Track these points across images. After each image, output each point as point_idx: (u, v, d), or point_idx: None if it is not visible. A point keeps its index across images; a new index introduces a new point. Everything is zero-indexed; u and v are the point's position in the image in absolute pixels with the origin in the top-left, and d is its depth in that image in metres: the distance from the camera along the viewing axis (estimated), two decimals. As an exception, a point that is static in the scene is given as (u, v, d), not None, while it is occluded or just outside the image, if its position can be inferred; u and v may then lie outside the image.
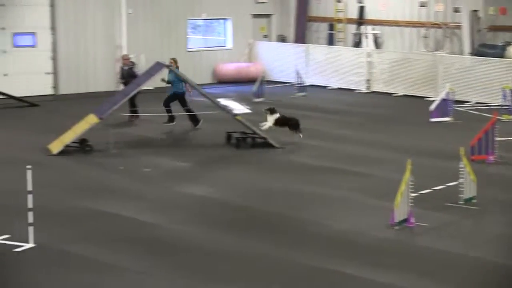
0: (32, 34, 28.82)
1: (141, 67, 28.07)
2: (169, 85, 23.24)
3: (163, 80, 23.04)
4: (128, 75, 23.81)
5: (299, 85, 30.25)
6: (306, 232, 13.71)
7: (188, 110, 22.88)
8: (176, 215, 14.59)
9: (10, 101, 26.53)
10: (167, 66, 20.72)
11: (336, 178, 17.55)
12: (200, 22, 34.08)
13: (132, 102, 23.14)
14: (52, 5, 29.02)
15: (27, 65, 28.41)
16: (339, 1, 34.10)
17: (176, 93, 22.97)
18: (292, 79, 31.26)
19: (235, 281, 11.35)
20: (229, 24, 34.18)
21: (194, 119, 22.85)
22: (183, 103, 23.04)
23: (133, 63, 24.26)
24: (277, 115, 21.10)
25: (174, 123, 23.15)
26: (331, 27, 34.67)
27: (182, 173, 18.01)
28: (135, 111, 22.86)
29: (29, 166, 12.73)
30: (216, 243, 13.00)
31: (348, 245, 12.96)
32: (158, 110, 23.65)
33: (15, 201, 14.15)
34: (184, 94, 23.07)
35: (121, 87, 23.88)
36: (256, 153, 19.98)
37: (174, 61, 23.18)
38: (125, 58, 24.64)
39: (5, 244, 12.65)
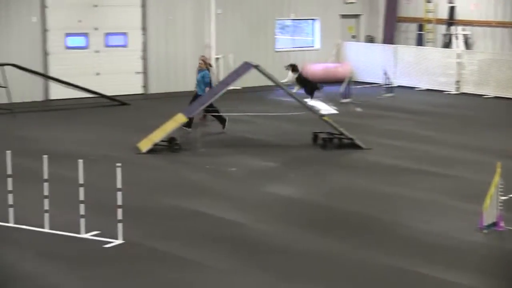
0: (124, 34, 29.32)
1: (229, 66, 28.34)
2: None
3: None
4: None
5: (387, 86, 30.04)
6: (388, 232, 13.65)
7: (210, 111, 22.19)
8: (260, 214, 14.68)
9: (102, 99, 27.01)
10: (255, 67, 20.82)
11: (420, 179, 17.40)
12: (288, 23, 34.13)
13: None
14: (143, 6, 29.50)
15: (118, 64, 28.93)
16: (429, 2, 33.70)
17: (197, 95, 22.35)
18: (380, 80, 31.07)
19: (316, 280, 11.38)
20: (317, 25, 34.14)
21: (221, 120, 22.25)
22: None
23: (210, 64, 24.29)
24: (297, 74, 20.90)
25: (225, 125, 22.30)
26: (421, 28, 34.27)
27: (268, 173, 18.09)
28: (214, 111, 22.74)
29: (118, 164, 12.97)
30: (299, 243, 13.05)
31: (432, 247, 12.85)
32: (245, 110, 23.80)
33: (105, 198, 14.42)
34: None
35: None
36: (342, 154, 19.95)
37: (204, 61, 22.97)
38: (202, 59, 24.63)
39: (95, 240, 12.93)
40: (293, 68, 21.01)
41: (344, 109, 26.18)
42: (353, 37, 35.24)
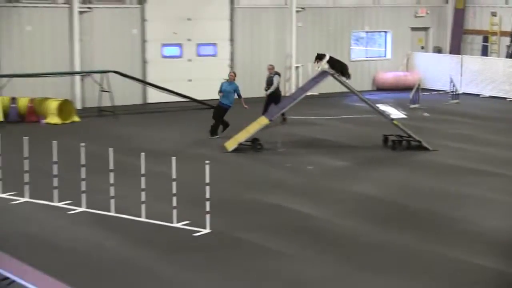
0: (214, 44, 29.58)
1: (308, 74, 28.33)
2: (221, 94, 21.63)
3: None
4: (269, 82, 23.77)
5: (453, 93, 29.62)
6: (454, 228, 13.46)
7: (220, 121, 21.40)
8: (335, 209, 14.64)
9: (193, 103, 27.30)
10: (332, 74, 20.76)
11: (483, 179, 17.10)
12: (363, 35, 33.93)
13: (267, 105, 23.18)
14: (231, 20, 29.71)
15: (208, 72, 29.18)
16: (494, 15, 33.12)
17: (223, 104, 21.45)
18: (446, 87, 30.64)
19: (388, 271, 11.31)
20: (389, 36, 33.88)
21: (225, 125, 21.54)
22: (222, 115, 21.46)
23: (276, 72, 24.15)
24: (327, 59, 20.32)
25: (223, 130, 21.54)
26: (486, 39, 33.70)
27: (342, 172, 18.03)
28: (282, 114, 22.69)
29: (207, 161, 13.15)
30: (370, 235, 12.98)
31: (497, 243, 12.64)
32: (322, 113, 23.75)
33: (194, 191, 14.58)
34: (228, 109, 21.42)
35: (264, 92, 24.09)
36: (410, 155, 19.74)
37: (234, 74, 22.32)
38: (269, 68, 24.41)
39: (186, 229, 13.09)
40: (319, 57, 20.39)
41: (413, 114, 25.98)
42: (422, 48, 34.86)
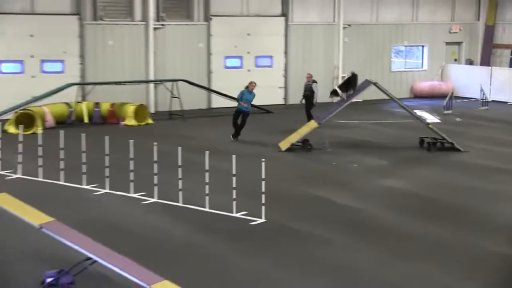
0: (270, 57, 29.59)
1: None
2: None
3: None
4: (307, 89, 23.64)
5: (483, 100, 29.16)
6: (483, 221, 13.25)
7: (240, 126, 21.20)
8: (376, 202, 14.53)
9: (251, 108, 27.25)
10: (374, 83, 20.59)
11: (511, 177, 16.79)
12: (402, 48, 33.61)
13: (308, 112, 23.08)
14: (286, 35, 29.71)
15: (264, 80, 29.11)
16: (520, 31, 32.58)
17: (246, 110, 21.24)
18: (477, 95, 30.24)
19: (424, 259, 11.17)
20: (425, 50, 33.49)
21: (238, 133, 21.31)
22: (245, 120, 21.26)
23: (314, 80, 24.00)
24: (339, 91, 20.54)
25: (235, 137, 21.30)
26: (513, 53, 33.20)
27: (382, 169, 17.88)
28: (310, 117, 22.34)
29: (263, 159, 13.16)
30: (407, 226, 12.84)
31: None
32: (366, 118, 23.54)
33: (252, 185, 14.61)
34: (248, 115, 21.31)
35: (302, 99, 23.93)
36: (443, 155, 19.48)
37: (255, 84, 21.77)
38: (308, 76, 24.21)
39: (244, 218, 13.14)
40: (334, 92, 20.76)
41: (446, 119, 25.63)
42: (455, 60, 34.36)
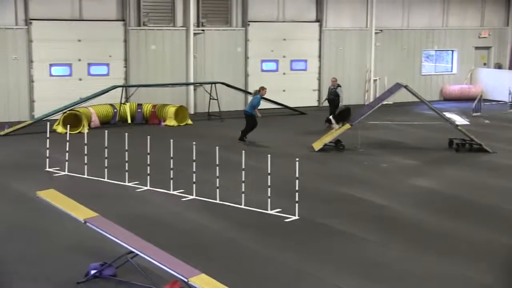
0: (304, 61, 29.50)
1: (384, 86, 27.89)
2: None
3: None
4: (331, 93, 23.61)
5: (511, 103, 28.73)
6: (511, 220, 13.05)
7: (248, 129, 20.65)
8: (405, 200, 14.39)
9: (285, 110, 27.32)
10: (405, 86, 20.37)
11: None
12: (432, 53, 33.26)
13: (333, 113, 22.43)
14: (320, 40, 29.58)
15: (299, 83, 29.15)
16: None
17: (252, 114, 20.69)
18: (505, 98, 29.79)
19: (449, 255, 11.04)
20: (455, 54, 33.06)
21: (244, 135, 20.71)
22: (253, 124, 20.72)
23: (338, 85, 23.85)
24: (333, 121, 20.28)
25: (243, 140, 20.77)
26: (541, 57, 32.60)
27: (411, 169, 17.70)
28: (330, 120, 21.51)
29: (297, 159, 13.12)
30: (436, 224, 12.68)
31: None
32: (396, 119, 23.31)
33: (286, 184, 14.58)
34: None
35: (325, 102, 23.73)
36: (472, 156, 19.21)
37: (262, 88, 21.04)
38: (333, 80, 24.17)
39: (278, 215, 13.11)
40: (328, 121, 20.56)
41: (475, 121, 25.28)
42: (484, 64, 33.86)
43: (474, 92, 30.89)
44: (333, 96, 23.41)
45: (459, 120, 24.77)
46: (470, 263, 10.71)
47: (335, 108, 23.00)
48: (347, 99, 28.73)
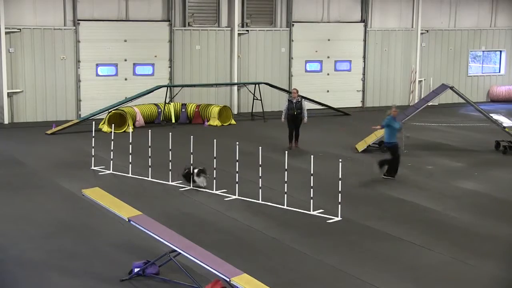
0: (349, 61, 29.35)
1: (430, 87, 27.54)
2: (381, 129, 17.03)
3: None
4: (295, 107, 19.48)
5: (561, 105, 28.18)
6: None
7: (395, 161, 16.34)
8: (450, 203, 14.18)
9: (329, 110, 27.22)
10: (451, 87, 20.09)
11: None
12: (479, 53, 32.73)
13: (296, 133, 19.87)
14: (365, 40, 29.39)
15: (343, 84, 29.02)
16: None
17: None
18: (555, 99, 29.20)
19: (493, 258, 10.85)
20: (503, 55, 32.49)
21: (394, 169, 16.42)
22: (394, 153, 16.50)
23: (302, 97, 19.82)
24: None
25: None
26: None
27: (457, 171, 17.43)
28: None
29: (340, 160, 13.05)
30: (482, 227, 12.47)
31: None
32: (442, 121, 23.02)
33: (328, 185, 14.51)
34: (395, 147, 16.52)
35: (285, 120, 22.39)
36: (520, 159, 18.91)
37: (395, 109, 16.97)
38: (294, 92, 19.95)
39: (320, 216, 13.05)
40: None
41: (523, 123, 24.78)
42: (534, 65, 33.23)
43: (523, 94, 30.34)
44: (298, 111, 19.52)
45: (506, 122, 24.20)
46: (516, 268, 10.51)
47: (298, 128, 19.74)
48: (391, 100, 28.59)
